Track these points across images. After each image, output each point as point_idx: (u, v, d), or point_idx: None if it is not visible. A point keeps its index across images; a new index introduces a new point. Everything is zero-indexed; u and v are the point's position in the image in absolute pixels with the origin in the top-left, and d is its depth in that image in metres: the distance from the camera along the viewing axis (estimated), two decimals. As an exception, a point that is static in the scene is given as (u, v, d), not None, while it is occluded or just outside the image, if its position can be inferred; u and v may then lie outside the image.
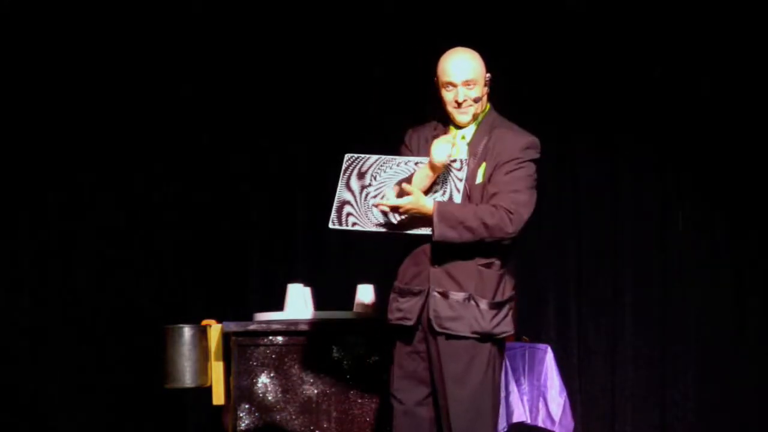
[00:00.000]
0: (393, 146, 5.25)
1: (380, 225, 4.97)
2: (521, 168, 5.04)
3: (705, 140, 8.30)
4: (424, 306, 5.00)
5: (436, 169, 4.96)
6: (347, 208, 4.99)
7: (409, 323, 5.01)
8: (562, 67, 8.30)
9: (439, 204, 4.93)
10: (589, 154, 8.39)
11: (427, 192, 4.97)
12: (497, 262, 5.03)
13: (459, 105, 5.05)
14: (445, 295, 4.97)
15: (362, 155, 5.05)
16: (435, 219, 4.90)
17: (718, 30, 8.22)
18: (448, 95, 5.06)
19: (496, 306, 5.01)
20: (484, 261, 5.01)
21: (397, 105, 8.08)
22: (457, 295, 4.97)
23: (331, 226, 5.00)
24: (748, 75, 8.24)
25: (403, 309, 5.03)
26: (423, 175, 4.98)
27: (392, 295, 5.09)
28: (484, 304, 4.98)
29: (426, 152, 5.02)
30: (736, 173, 8.30)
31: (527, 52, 8.27)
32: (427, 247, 5.00)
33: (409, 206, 4.90)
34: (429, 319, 4.98)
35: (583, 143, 8.40)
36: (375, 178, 5.00)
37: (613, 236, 8.36)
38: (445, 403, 4.99)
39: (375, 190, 5.00)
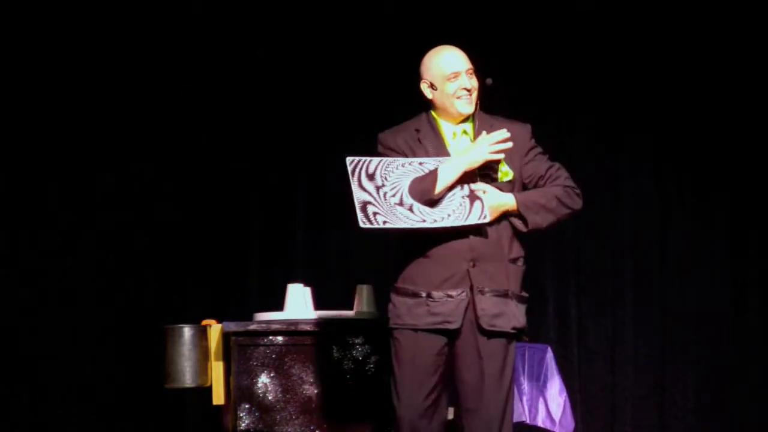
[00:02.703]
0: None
1: (413, 221, 4.95)
2: (542, 153, 5.17)
3: (705, 140, 8.31)
4: (468, 307, 5.00)
5: (470, 168, 4.99)
6: (371, 208, 4.95)
7: (453, 326, 4.99)
8: (562, 66, 8.31)
9: (519, 195, 5.02)
10: (589, 154, 8.39)
11: (451, 188, 4.99)
12: (521, 258, 5.10)
13: (468, 92, 5.08)
14: (487, 292, 5.01)
15: (363, 158, 5.03)
16: (521, 209, 4.99)
17: (720, 31, 8.22)
18: (452, 86, 5.08)
19: (524, 301, 5.11)
20: (512, 257, 5.07)
21: (397, 105, 8.07)
22: (498, 292, 5.01)
23: (362, 225, 4.93)
24: (749, 75, 8.24)
25: (440, 313, 4.98)
26: (452, 174, 4.98)
27: (413, 301, 5.01)
28: (516, 299, 5.06)
29: (423, 153, 5.05)
30: (736, 173, 8.30)
31: (527, 50, 8.27)
32: (458, 247, 5.00)
33: (493, 202, 4.97)
34: (477, 318, 4.98)
35: (583, 143, 8.40)
36: (386, 179, 4.99)
37: (613, 236, 8.36)
38: (478, 404, 5.00)
39: (391, 190, 4.98)
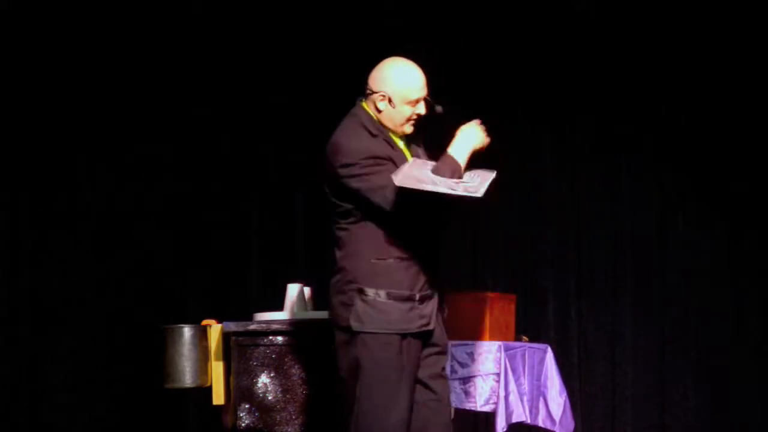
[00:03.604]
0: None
1: (471, 187, 4.95)
2: None
3: (705, 140, 8.30)
4: (437, 307, 5.08)
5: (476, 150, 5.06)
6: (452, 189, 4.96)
7: (431, 327, 5.06)
8: (562, 67, 8.31)
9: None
10: (588, 154, 8.39)
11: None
12: None
13: (419, 118, 5.13)
14: (438, 292, 5.14)
15: (402, 174, 5.01)
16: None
17: (720, 31, 8.22)
18: (409, 110, 5.10)
19: None
20: None
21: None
22: (440, 291, 5.16)
23: (479, 195, 4.92)
24: (749, 74, 8.24)
25: (426, 315, 5.04)
26: (466, 154, 5.04)
27: (407, 305, 5.01)
28: None
29: (399, 157, 5.06)
30: (736, 173, 8.30)
31: (527, 51, 8.28)
32: (430, 249, 5.06)
33: None
34: (443, 316, 5.11)
35: (583, 143, 8.40)
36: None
37: (613, 236, 8.36)
38: (445, 393, 5.13)
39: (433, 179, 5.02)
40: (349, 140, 5.07)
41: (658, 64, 8.29)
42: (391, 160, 5.04)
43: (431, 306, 5.04)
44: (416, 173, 4.96)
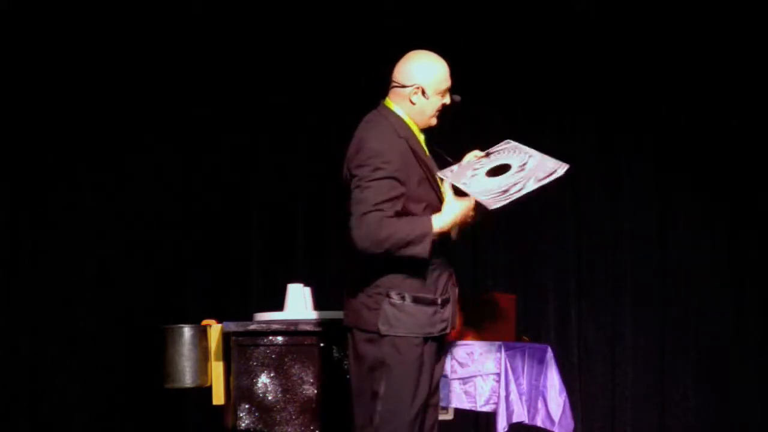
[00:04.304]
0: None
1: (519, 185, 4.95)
2: None
3: (705, 140, 8.31)
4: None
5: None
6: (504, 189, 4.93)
7: (449, 330, 5.09)
8: (562, 66, 8.31)
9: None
10: (589, 154, 8.40)
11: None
12: None
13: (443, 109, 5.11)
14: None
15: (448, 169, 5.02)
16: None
17: (720, 32, 8.23)
18: (439, 101, 5.06)
19: None
20: None
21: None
22: None
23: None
24: (749, 75, 8.25)
25: (446, 318, 5.06)
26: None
27: (431, 309, 5.00)
28: None
29: (416, 168, 5.01)
30: (736, 173, 8.31)
31: (528, 51, 8.28)
32: (448, 255, 5.06)
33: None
34: (452, 319, 5.10)
35: (583, 143, 8.41)
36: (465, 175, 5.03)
37: (613, 236, 8.37)
38: (437, 398, 5.16)
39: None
40: (375, 141, 4.98)
41: (658, 64, 8.30)
42: (401, 179, 4.95)
43: (449, 309, 5.05)
44: (485, 185, 4.94)
